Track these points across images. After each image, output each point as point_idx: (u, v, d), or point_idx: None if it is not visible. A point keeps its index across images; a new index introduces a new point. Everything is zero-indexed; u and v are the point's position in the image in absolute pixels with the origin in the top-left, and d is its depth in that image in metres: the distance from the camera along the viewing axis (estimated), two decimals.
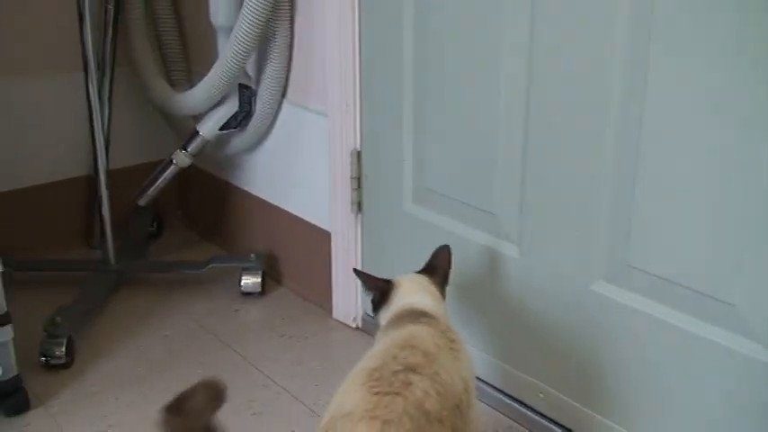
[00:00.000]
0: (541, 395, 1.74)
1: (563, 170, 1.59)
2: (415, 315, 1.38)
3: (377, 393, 1.15)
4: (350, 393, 1.18)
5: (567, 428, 1.71)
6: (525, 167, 1.65)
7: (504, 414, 1.81)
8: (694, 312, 1.45)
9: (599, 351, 1.62)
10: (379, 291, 1.49)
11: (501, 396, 1.82)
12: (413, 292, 1.47)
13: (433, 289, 1.50)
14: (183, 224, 2.73)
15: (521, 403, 1.79)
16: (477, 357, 1.84)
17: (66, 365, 1.96)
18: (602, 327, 1.60)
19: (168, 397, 1.84)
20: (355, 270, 1.60)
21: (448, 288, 1.57)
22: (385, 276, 1.52)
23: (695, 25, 1.34)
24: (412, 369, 1.20)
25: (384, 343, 1.31)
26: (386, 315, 1.46)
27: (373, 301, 1.50)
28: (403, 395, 1.15)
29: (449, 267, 1.55)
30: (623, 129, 1.47)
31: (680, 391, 1.50)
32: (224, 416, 1.78)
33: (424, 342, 1.28)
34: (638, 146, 1.45)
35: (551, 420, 1.73)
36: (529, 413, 1.77)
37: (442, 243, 1.61)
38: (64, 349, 1.95)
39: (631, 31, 1.42)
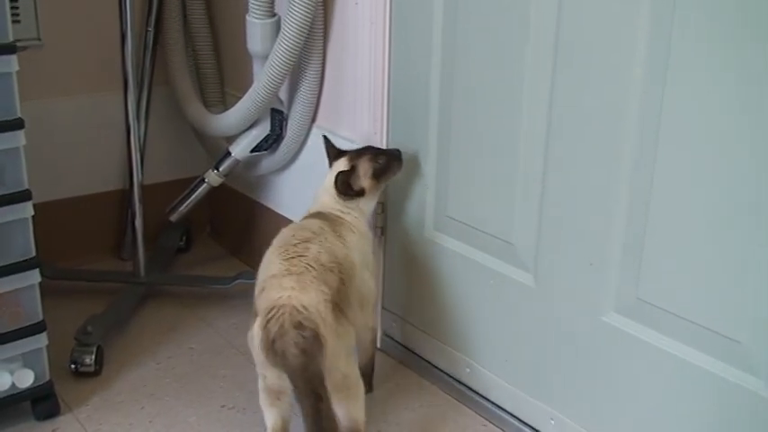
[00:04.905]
0: (552, 421, 1.79)
1: (579, 204, 1.65)
2: (315, 214, 1.83)
3: (286, 259, 1.59)
4: (270, 264, 1.62)
5: None
6: (543, 199, 1.71)
7: None
8: (702, 347, 1.50)
9: (609, 381, 1.67)
10: (330, 159, 1.95)
11: (514, 421, 1.88)
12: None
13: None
14: (211, 240, 2.80)
15: (533, 429, 1.84)
16: (490, 382, 1.91)
17: (95, 373, 2.03)
18: (613, 357, 1.65)
19: (192, 408, 1.93)
20: (323, 136, 1.98)
21: None
22: None
23: (708, 73, 1.40)
24: (306, 240, 1.65)
25: (282, 232, 1.74)
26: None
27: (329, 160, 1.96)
28: (304, 256, 1.60)
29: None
30: (638, 166, 1.52)
31: (687, 425, 1.55)
32: (244, 424, 1.86)
33: (312, 225, 1.73)
34: (651, 184, 1.51)
35: None
36: None
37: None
38: (93, 357, 2.02)
39: (647, 72, 1.48)
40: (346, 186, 1.83)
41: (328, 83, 2.18)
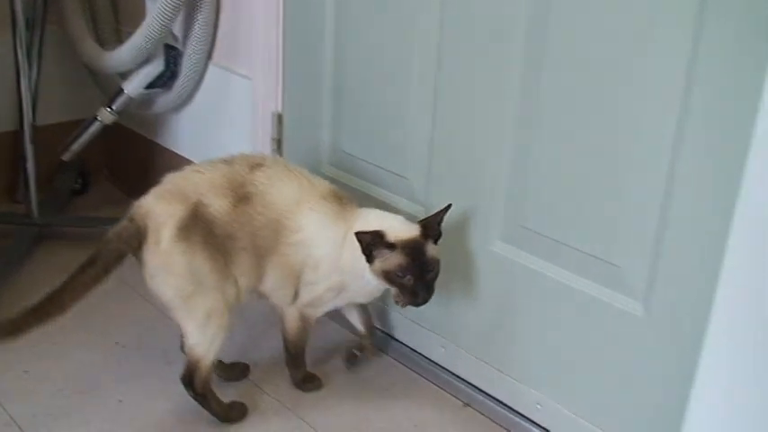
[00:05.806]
0: (443, 349, 1.83)
1: (466, 137, 1.68)
2: (332, 192, 1.72)
3: (194, 171, 1.66)
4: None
5: (463, 380, 1.81)
6: (433, 131, 1.74)
7: (408, 367, 1.91)
8: (583, 272, 1.55)
9: (497, 308, 1.72)
10: (429, 217, 1.68)
11: (405, 349, 1.92)
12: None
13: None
14: (108, 182, 2.76)
15: (422, 356, 1.88)
16: (385, 313, 1.93)
17: None
18: (500, 284, 1.70)
19: (86, 346, 1.90)
20: (449, 206, 1.66)
21: None
22: None
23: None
24: (224, 162, 1.67)
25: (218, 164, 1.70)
26: None
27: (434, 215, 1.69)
28: (200, 172, 1.65)
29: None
30: (522, 94, 1.56)
31: (567, 345, 1.61)
32: (139, 361, 1.85)
33: (275, 164, 1.71)
34: (535, 112, 1.54)
35: (450, 373, 1.83)
36: (430, 366, 1.87)
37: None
38: None
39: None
40: (367, 242, 1.60)
41: (224, 19, 2.15)
